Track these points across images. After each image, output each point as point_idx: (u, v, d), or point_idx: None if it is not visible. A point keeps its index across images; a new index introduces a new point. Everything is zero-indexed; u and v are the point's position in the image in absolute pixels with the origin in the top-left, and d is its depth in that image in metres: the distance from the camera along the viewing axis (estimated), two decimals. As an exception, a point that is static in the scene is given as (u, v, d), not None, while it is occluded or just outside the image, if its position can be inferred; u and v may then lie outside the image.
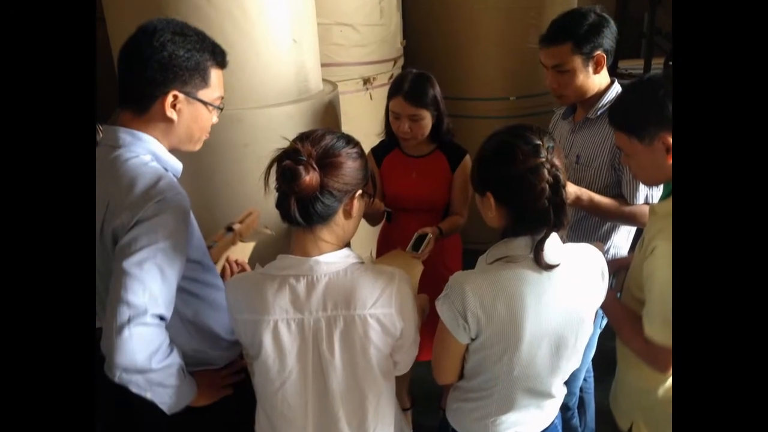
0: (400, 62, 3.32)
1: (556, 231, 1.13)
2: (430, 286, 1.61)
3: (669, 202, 1.22)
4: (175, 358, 1.13)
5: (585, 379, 2.02)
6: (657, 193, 1.65)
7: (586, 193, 1.61)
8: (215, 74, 1.23)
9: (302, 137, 1.12)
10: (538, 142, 1.11)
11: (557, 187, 1.09)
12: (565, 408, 1.84)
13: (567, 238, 1.19)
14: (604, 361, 1.82)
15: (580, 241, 1.27)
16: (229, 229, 1.58)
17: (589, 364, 1.98)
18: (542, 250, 1.11)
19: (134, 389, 1.08)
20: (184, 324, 1.25)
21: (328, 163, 1.09)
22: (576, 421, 2.02)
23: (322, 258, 1.14)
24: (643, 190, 1.65)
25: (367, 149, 1.43)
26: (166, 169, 1.21)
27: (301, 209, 1.09)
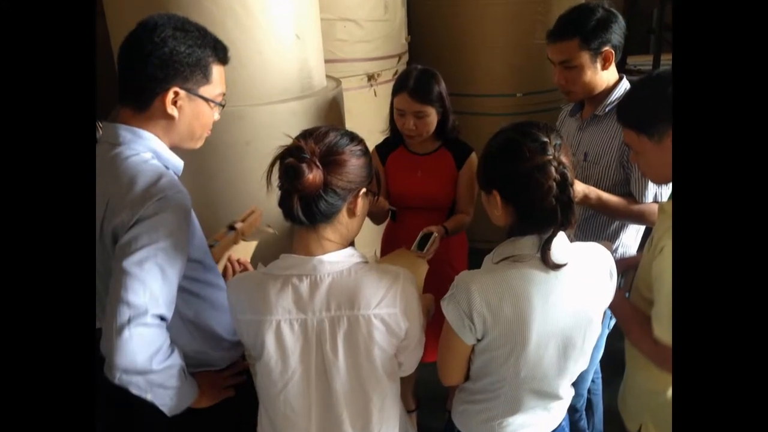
0: (405, 58, 3.30)
1: (564, 230, 1.12)
2: (435, 286, 1.60)
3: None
4: (176, 359, 1.12)
5: (593, 381, 2.00)
6: (666, 191, 1.63)
7: (594, 192, 1.59)
8: (217, 70, 1.22)
9: (305, 134, 1.11)
10: (545, 139, 1.09)
11: (564, 185, 1.08)
12: (572, 410, 1.82)
13: (575, 237, 1.18)
14: (613, 362, 1.80)
15: (587, 240, 1.26)
16: (231, 227, 1.56)
17: (597, 365, 1.96)
18: (549, 249, 1.10)
19: (134, 391, 1.06)
20: (185, 324, 1.24)
21: (331, 160, 1.08)
22: (584, 423, 2.01)
23: (326, 257, 1.13)
24: (652, 189, 1.63)
25: (371, 146, 1.41)
26: (167, 167, 1.19)
27: (305, 208, 1.07)
